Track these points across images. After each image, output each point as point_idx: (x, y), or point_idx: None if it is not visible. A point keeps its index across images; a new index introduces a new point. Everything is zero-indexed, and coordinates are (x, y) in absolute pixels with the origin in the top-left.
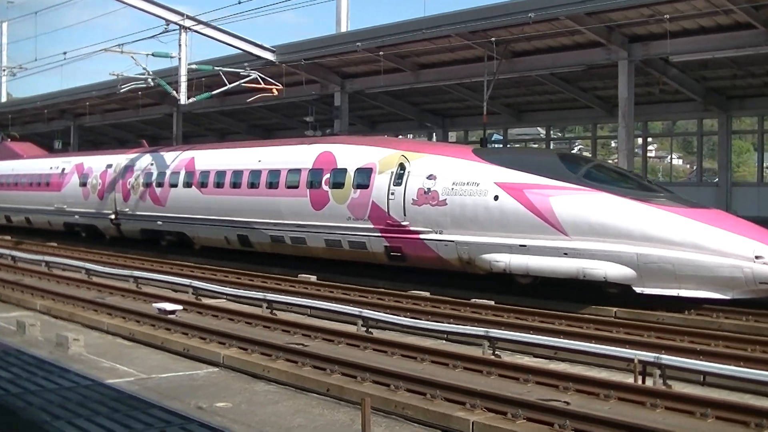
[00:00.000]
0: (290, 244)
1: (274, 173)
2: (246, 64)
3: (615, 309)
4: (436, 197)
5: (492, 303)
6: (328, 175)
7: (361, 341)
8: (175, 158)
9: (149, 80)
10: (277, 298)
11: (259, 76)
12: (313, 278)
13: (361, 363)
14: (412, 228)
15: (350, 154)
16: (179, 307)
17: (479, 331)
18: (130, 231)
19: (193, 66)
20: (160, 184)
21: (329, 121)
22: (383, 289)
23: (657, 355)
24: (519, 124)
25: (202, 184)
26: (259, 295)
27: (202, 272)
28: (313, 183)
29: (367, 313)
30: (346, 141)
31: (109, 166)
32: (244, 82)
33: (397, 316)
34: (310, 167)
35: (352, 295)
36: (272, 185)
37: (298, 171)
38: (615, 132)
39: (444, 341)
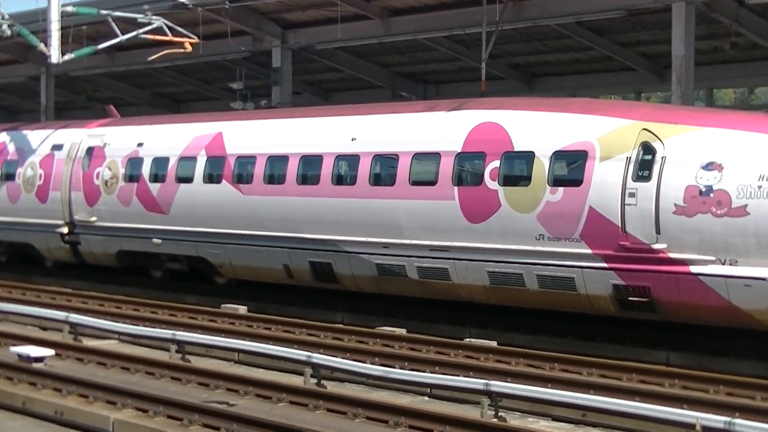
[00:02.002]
0: (416, 278)
1: (387, 160)
2: (146, 6)
3: (667, 353)
4: (724, 202)
5: (494, 344)
6: (495, 164)
7: (311, 398)
8: (185, 136)
9: (4, 27)
10: (191, 337)
11: (166, 25)
12: (242, 309)
13: (311, 430)
14: (673, 255)
15: (539, 128)
16: (49, 351)
17: (476, 383)
18: (98, 254)
19: (71, 8)
20: (158, 178)
21: (265, 88)
22: (342, 326)
23: (729, 419)
24: (530, 93)
25: (241, 178)
26: (167, 333)
27: (84, 301)
28: (466, 177)
29: (319, 358)
30: (526, 105)
31: (58, 148)
32: (144, 33)
33: (361, 362)
34: (459, 150)
35: (298, 334)
36: (382, 180)
37: (433, 157)
38: (667, 103)
39: (427, 397)
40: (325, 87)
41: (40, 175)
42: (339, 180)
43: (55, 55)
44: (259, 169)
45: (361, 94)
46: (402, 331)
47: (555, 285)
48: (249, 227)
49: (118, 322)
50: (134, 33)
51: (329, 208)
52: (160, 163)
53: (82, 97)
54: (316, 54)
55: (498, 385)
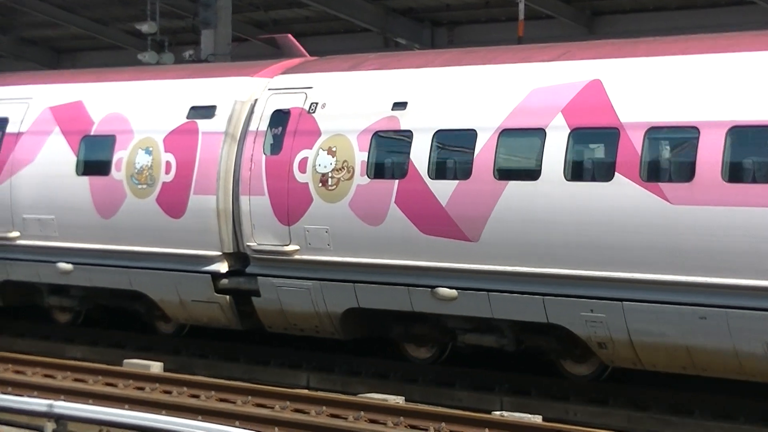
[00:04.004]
0: None
1: None
2: None
3: None
4: None
5: (538, 420)
6: None
7: None
8: (509, 88)
9: None
10: (75, 410)
11: None
12: (157, 367)
13: None
14: None
15: None
16: None
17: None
18: (300, 315)
19: None
20: (449, 172)
21: (189, 30)
22: (306, 393)
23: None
24: (589, 37)
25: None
26: (41, 404)
27: None
28: None
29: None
30: None
31: (203, 112)
32: None
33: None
34: None
35: (238, 403)
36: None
37: None
38: None
39: None
40: (288, 30)
41: (167, 165)
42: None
43: None
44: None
45: (337, 42)
46: (397, 400)
47: None
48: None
49: None
50: None
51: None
52: (461, 139)
53: None
54: None
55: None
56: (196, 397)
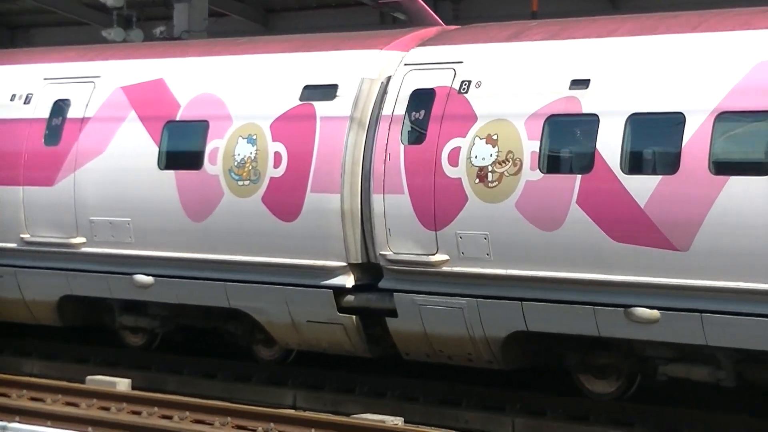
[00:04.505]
0: None
1: None
2: None
3: None
4: None
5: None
6: None
7: None
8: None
9: None
10: None
11: None
12: (124, 384)
13: None
14: None
15: None
16: None
17: None
18: (442, 340)
19: None
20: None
21: (161, 3)
22: (293, 413)
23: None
24: (613, 12)
25: None
26: None
27: None
28: None
29: None
30: None
31: (319, 92)
32: None
33: None
34: None
35: (216, 425)
36: None
37: None
38: None
39: None
40: (264, 5)
41: (276, 156)
42: None
43: None
44: None
45: (329, 17)
46: (396, 422)
47: None
48: None
49: None
50: None
51: None
52: (664, 125)
53: None
54: None
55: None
56: (169, 418)
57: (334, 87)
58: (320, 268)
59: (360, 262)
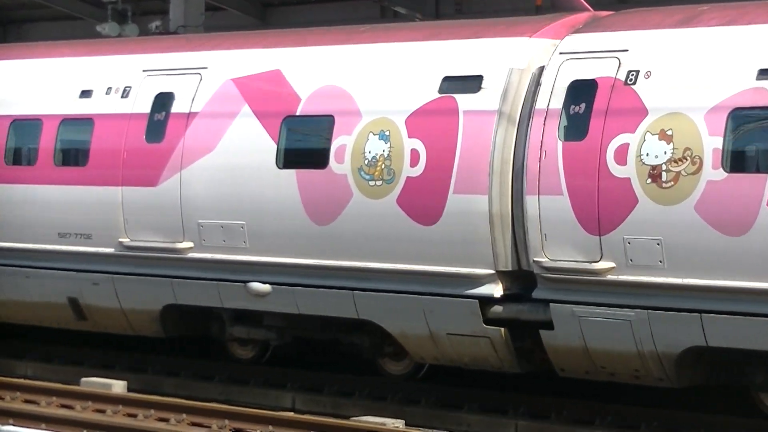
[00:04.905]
0: None
1: None
2: None
3: None
4: None
5: None
6: None
7: None
8: None
9: None
10: None
11: None
12: (120, 386)
13: None
14: None
15: None
16: None
17: None
18: (604, 354)
19: None
20: None
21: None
22: (292, 416)
23: None
24: (618, 7)
25: None
26: None
27: None
28: None
29: None
30: None
31: (460, 84)
32: None
33: None
34: None
35: (213, 428)
36: None
37: None
38: None
39: None
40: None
41: (413, 154)
42: None
43: None
44: None
45: (327, 10)
46: (396, 425)
47: None
48: None
49: None
50: None
51: None
52: None
53: None
54: None
55: None
56: (165, 420)
57: (479, 78)
58: (465, 276)
59: (510, 269)
